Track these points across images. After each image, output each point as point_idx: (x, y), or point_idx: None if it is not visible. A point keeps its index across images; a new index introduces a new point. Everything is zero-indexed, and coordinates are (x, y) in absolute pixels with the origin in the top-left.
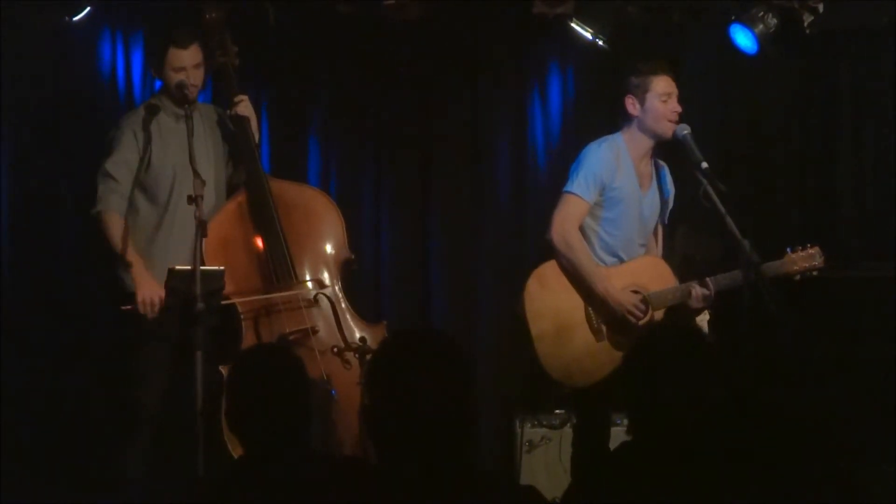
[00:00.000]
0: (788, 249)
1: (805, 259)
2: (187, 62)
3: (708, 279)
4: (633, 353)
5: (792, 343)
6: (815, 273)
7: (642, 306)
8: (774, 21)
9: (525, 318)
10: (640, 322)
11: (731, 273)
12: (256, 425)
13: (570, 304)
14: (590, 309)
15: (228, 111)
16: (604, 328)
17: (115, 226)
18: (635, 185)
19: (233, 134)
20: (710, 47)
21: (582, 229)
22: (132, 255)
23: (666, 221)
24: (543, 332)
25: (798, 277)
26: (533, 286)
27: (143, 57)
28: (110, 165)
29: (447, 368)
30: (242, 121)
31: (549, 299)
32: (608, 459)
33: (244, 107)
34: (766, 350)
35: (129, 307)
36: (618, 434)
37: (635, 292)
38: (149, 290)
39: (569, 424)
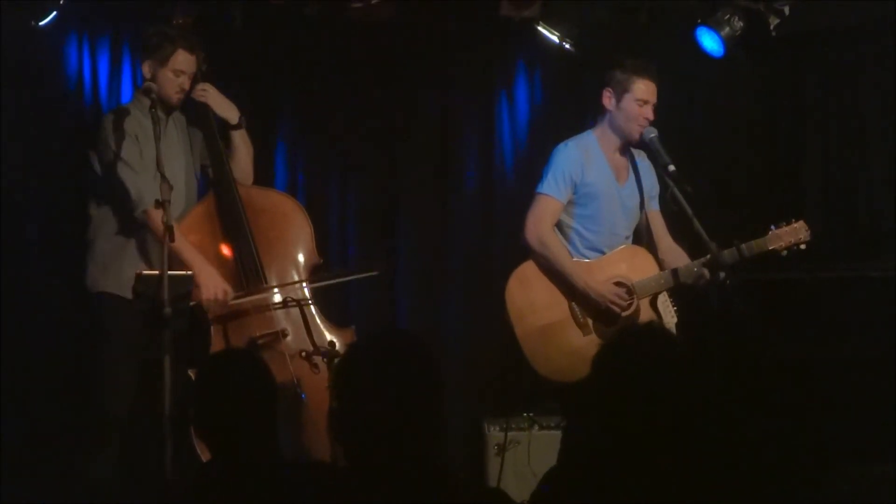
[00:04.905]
0: (773, 227)
1: (790, 234)
2: (190, 68)
3: (677, 269)
4: (603, 357)
5: (760, 343)
6: (802, 247)
7: (625, 296)
8: (740, 24)
9: (509, 318)
10: (625, 313)
11: (698, 261)
12: (224, 429)
13: (553, 300)
14: (573, 304)
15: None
16: (589, 322)
17: (160, 220)
18: (611, 179)
19: (202, 139)
20: (676, 50)
21: (561, 227)
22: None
23: (657, 208)
24: (528, 332)
25: (785, 253)
26: (513, 286)
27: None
28: (125, 165)
29: (415, 371)
30: (208, 118)
31: (530, 298)
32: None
33: (208, 95)
34: (735, 351)
35: (193, 303)
36: None
37: (618, 284)
38: (213, 284)
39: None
